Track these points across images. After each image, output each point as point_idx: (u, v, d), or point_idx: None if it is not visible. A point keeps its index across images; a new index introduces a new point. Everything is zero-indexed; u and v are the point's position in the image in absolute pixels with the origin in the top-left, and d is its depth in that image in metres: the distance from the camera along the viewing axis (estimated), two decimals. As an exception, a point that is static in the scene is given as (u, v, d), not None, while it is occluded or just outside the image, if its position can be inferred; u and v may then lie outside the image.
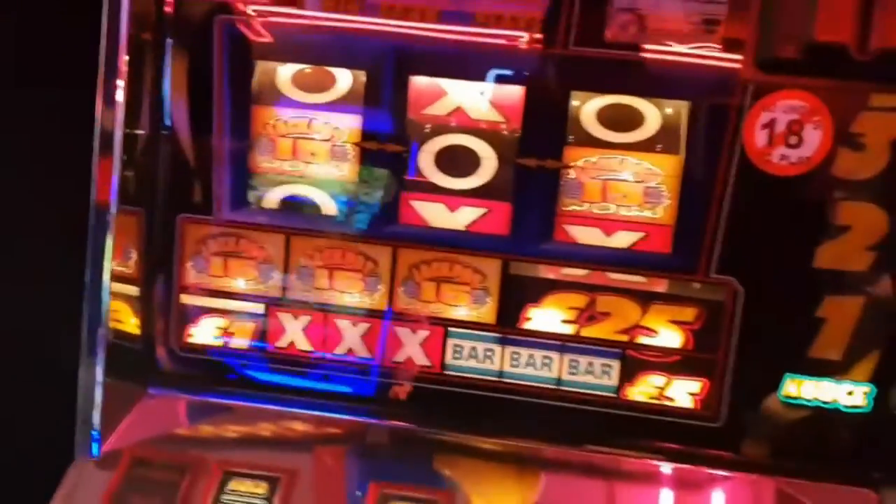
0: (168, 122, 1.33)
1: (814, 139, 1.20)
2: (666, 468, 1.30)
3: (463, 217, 1.32)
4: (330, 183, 1.34)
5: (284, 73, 1.33)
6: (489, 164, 1.30)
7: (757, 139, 1.21)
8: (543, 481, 1.29)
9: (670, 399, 1.30)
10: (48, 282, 1.45)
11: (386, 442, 1.36)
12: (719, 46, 1.20)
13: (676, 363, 1.29)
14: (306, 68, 1.33)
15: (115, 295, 1.33)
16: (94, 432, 1.33)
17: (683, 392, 1.30)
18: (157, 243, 1.37)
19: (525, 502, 1.27)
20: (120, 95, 1.25)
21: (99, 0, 1.24)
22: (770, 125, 1.20)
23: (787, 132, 1.20)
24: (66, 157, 1.32)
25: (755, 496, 1.28)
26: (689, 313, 1.28)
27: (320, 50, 1.30)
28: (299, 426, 1.36)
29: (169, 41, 1.30)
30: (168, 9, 1.28)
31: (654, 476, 1.30)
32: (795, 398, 1.27)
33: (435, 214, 1.32)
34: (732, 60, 1.19)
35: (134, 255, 1.36)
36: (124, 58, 1.26)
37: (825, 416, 1.26)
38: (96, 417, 1.33)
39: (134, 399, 1.38)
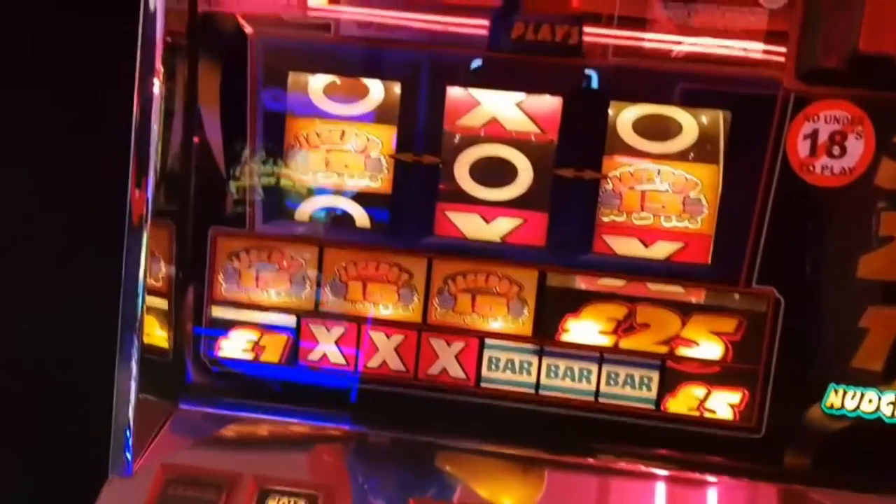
0: (200, 134, 1.31)
1: (856, 149, 1.19)
2: (707, 478, 1.29)
3: (499, 228, 1.31)
4: (364, 195, 1.32)
5: (317, 83, 1.31)
6: (525, 174, 1.29)
7: (799, 149, 1.20)
8: (547, 479, 1.29)
9: (711, 411, 1.29)
10: (77, 294, 1.43)
11: (387, 443, 1.34)
12: (760, 56, 1.18)
13: (717, 374, 1.28)
14: (338, 79, 1.31)
15: (146, 308, 1.31)
16: (127, 449, 1.31)
17: (724, 403, 1.29)
18: (188, 255, 1.35)
19: (529, 498, 1.26)
20: (156, 105, 1.23)
21: (131, 7, 1.22)
22: (812, 135, 1.19)
23: (829, 143, 1.19)
24: (99, 166, 1.31)
25: (796, 508, 1.27)
26: (729, 324, 1.26)
27: (354, 61, 1.29)
28: (333, 441, 1.35)
29: (201, 50, 1.28)
30: (200, 18, 1.26)
31: (695, 484, 1.29)
32: (838, 409, 1.26)
33: (471, 225, 1.31)
34: (773, 70, 1.18)
35: (163, 268, 1.34)
36: (159, 66, 1.24)
37: (867, 426, 1.25)
38: (130, 434, 1.31)
39: (165, 414, 1.37)
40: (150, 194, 1.26)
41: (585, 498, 1.28)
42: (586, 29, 1.21)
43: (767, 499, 1.28)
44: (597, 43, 1.22)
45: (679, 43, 1.20)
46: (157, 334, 1.35)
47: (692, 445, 1.29)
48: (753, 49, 1.19)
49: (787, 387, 1.26)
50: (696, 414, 1.29)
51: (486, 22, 1.23)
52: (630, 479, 1.29)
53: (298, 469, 1.29)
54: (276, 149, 1.32)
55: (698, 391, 1.29)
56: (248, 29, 1.27)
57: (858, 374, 1.24)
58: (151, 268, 1.31)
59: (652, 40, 1.20)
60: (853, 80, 1.17)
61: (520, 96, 1.28)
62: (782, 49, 1.18)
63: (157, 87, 1.23)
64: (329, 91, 1.31)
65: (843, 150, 1.19)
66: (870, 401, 1.25)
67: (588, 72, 1.24)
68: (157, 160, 1.25)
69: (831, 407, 1.26)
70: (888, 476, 1.26)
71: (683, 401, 1.29)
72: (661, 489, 1.29)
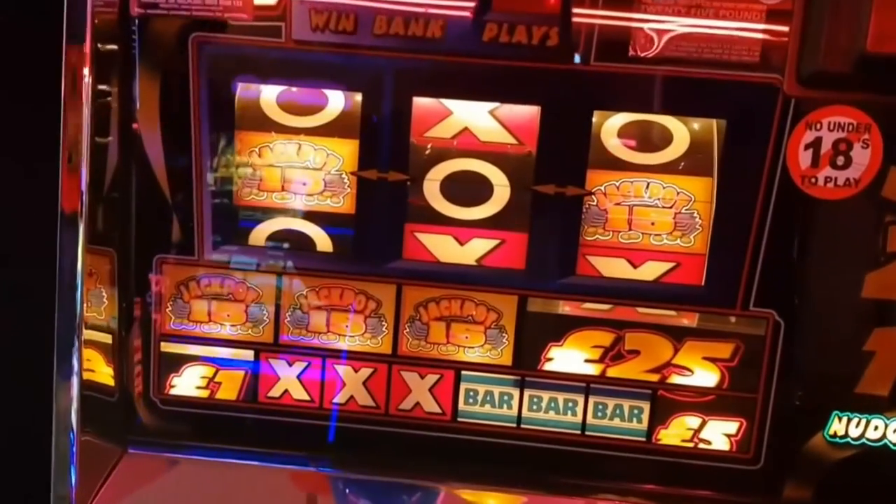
0: (139, 153, 1.18)
1: (862, 159, 1.09)
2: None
3: (474, 250, 1.20)
4: (325, 216, 1.20)
5: (269, 94, 1.19)
6: (502, 191, 1.18)
7: (801, 160, 1.10)
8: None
9: (706, 441, 1.20)
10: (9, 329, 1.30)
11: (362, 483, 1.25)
12: (757, 59, 1.08)
13: (712, 403, 1.19)
14: (293, 89, 1.18)
15: (87, 343, 1.20)
16: (71, 500, 1.20)
17: (720, 434, 1.20)
18: (131, 287, 1.23)
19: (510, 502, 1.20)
20: (86, 124, 1.11)
21: (56, 27, 1.09)
22: (815, 144, 1.09)
23: (833, 152, 1.09)
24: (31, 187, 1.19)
25: (799, 544, 1.19)
26: (725, 349, 1.17)
27: (309, 68, 1.16)
28: (293, 483, 1.24)
29: (137, 60, 1.15)
30: (135, 28, 1.13)
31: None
32: (842, 437, 1.17)
33: (443, 248, 1.20)
34: (772, 74, 1.08)
35: (106, 300, 1.22)
36: (87, 81, 1.11)
37: (872, 455, 1.17)
38: (72, 482, 1.20)
39: (112, 460, 1.25)
40: (83, 219, 1.14)
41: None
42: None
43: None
44: (578, 45, 1.10)
45: (668, 44, 1.09)
46: (101, 371, 1.24)
47: (686, 480, 1.21)
48: (750, 50, 1.08)
49: (787, 415, 1.18)
50: (691, 445, 1.21)
51: (455, 23, 1.10)
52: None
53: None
54: (226, 167, 1.19)
55: (692, 421, 1.20)
56: (188, 34, 1.14)
57: (863, 400, 1.16)
58: (92, 301, 1.19)
59: (639, 41, 1.09)
60: (859, 83, 1.07)
61: (494, 105, 1.16)
62: (782, 50, 1.07)
63: (86, 105, 1.10)
64: (283, 102, 1.19)
65: (849, 160, 1.09)
66: (875, 428, 1.17)
67: (568, 77, 1.12)
68: (88, 184, 1.12)
69: (834, 435, 1.17)
70: (895, 506, 1.18)
71: (677, 432, 1.21)
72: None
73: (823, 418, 1.17)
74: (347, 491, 1.22)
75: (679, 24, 1.08)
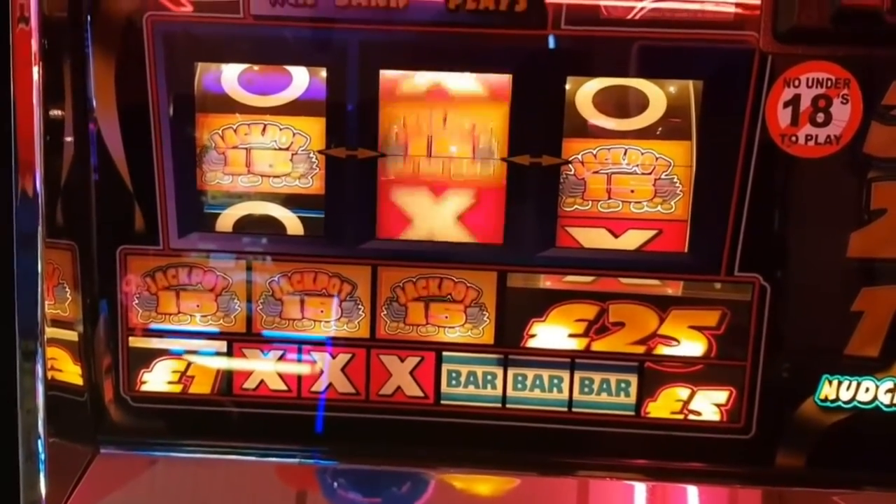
0: (97, 140, 1.13)
1: (843, 115, 1.07)
2: (695, 487, 1.17)
3: (451, 226, 1.16)
4: (294, 198, 1.16)
5: (230, 73, 1.14)
6: (476, 164, 1.14)
7: (780, 118, 1.07)
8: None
9: (696, 413, 1.18)
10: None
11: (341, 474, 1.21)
12: (731, 17, 1.05)
13: (700, 373, 1.17)
14: (255, 67, 1.14)
15: (52, 341, 1.15)
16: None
17: (710, 404, 1.17)
18: (95, 280, 1.18)
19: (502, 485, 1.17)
20: (35, 119, 1.05)
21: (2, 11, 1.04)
22: (793, 102, 1.07)
23: (812, 109, 1.07)
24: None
25: (794, 512, 1.16)
26: (711, 317, 1.14)
27: (270, 45, 1.12)
28: (277, 477, 1.20)
29: (89, 41, 1.10)
30: (87, 10, 1.08)
31: (681, 494, 1.18)
32: (833, 401, 1.15)
33: (420, 213, 1.15)
34: (747, 31, 1.05)
35: (70, 296, 1.17)
36: (35, 68, 1.06)
37: (864, 418, 1.15)
38: (42, 487, 1.15)
39: (84, 461, 1.21)
40: (40, 212, 1.09)
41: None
42: (535, -5, 1.06)
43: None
44: (548, 8, 1.06)
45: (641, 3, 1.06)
46: (68, 370, 1.19)
47: (678, 452, 1.18)
48: (723, 7, 1.05)
49: (776, 381, 1.15)
50: (681, 417, 1.18)
51: (420, -8, 1.07)
52: (610, 493, 1.17)
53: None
54: (188, 151, 1.14)
55: (681, 392, 1.17)
56: (142, 14, 1.09)
57: (853, 362, 1.14)
58: (57, 295, 1.14)
59: (611, 2, 1.06)
60: (837, 37, 1.04)
61: (465, 76, 1.12)
62: (756, 5, 1.04)
63: (35, 89, 1.05)
64: (245, 81, 1.14)
65: (829, 117, 1.07)
66: (866, 390, 1.15)
67: (539, 43, 1.08)
68: (42, 174, 1.07)
69: (825, 399, 1.15)
70: (888, 469, 1.16)
71: (665, 404, 1.18)
72: (643, 502, 1.17)
73: (813, 383, 1.15)
74: (336, 485, 1.19)
75: (650, -16, 1.05)
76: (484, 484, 1.19)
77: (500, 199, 1.14)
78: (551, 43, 1.08)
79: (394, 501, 1.18)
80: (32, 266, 1.12)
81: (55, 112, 1.09)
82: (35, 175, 1.09)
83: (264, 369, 1.21)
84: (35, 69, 1.07)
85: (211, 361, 1.21)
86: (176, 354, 1.21)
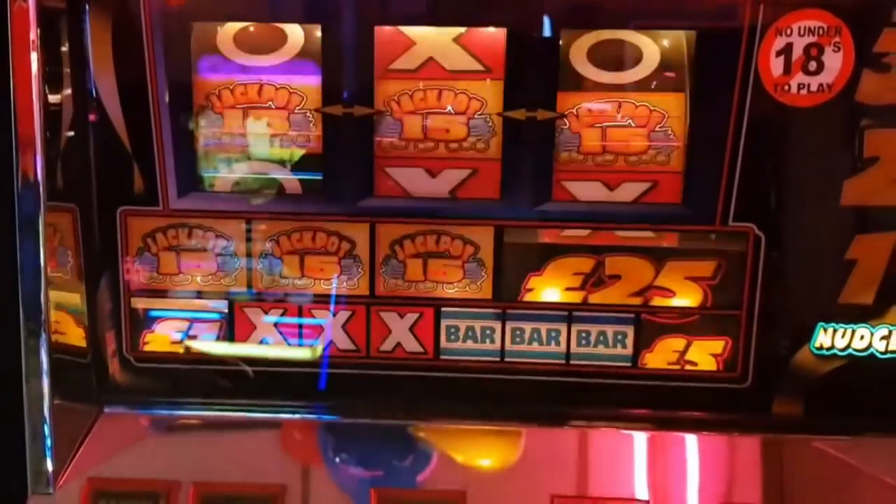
0: (96, 103, 1.14)
1: (834, 63, 1.07)
2: (693, 436, 1.19)
3: (446, 181, 1.17)
4: (291, 156, 1.17)
5: (225, 33, 1.15)
6: (472, 120, 1.15)
7: (772, 67, 1.08)
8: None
9: (692, 363, 1.19)
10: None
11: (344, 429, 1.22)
12: (723, -35, 1.06)
13: (696, 323, 1.18)
14: (250, 26, 1.14)
15: (55, 305, 1.16)
16: (47, 463, 1.16)
17: (706, 354, 1.19)
18: (96, 242, 1.19)
19: (506, 458, 1.18)
20: (34, 79, 1.06)
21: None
22: (786, 51, 1.07)
23: (804, 57, 1.07)
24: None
25: (791, 458, 1.18)
26: (706, 268, 1.16)
27: (264, 3, 1.12)
28: (276, 434, 1.21)
29: (88, 9, 1.11)
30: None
31: (679, 442, 1.19)
32: (828, 349, 1.16)
33: (414, 181, 1.17)
34: (739, -20, 1.06)
35: (71, 258, 1.18)
36: (35, 31, 1.07)
37: (860, 365, 1.16)
38: (48, 446, 1.16)
39: (89, 420, 1.22)
40: (40, 176, 1.10)
41: (565, 455, 1.18)
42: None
43: (756, 452, 1.18)
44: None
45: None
46: (72, 332, 1.20)
47: (675, 402, 1.19)
48: (715, -42, 1.05)
49: (772, 330, 1.17)
50: (677, 368, 1.19)
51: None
52: (610, 442, 1.18)
53: (243, 469, 1.15)
54: (185, 112, 1.15)
55: (678, 343, 1.18)
56: (137, -25, 1.10)
57: (847, 309, 1.15)
58: (58, 258, 1.15)
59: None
60: (827, -16, 1.05)
61: (458, 31, 1.13)
62: (747, -45, 1.05)
63: (34, 47, 1.06)
64: (240, 41, 1.15)
65: (821, 65, 1.07)
66: (861, 337, 1.16)
67: (533, -2, 1.09)
68: (43, 138, 1.08)
69: (820, 347, 1.16)
70: (884, 415, 1.17)
71: (662, 355, 1.19)
72: (643, 450, 1.19)
73: (809, 331, 1.16)
74: (338, 460, 1.20)
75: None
76: (486, 438, 1.20)
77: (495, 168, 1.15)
78: (544, -4, 1.09)
79: (396, 473, 1.19)
80: (34, 229, 1.13)
81: (52, 68, 1.10)
82: (36, 139, 1.10)
83: (265, 328, 1.22)
84: (32, 31, 1.07)
85: (212, 321, 1.22)
86: (178, 314, 1.22)
